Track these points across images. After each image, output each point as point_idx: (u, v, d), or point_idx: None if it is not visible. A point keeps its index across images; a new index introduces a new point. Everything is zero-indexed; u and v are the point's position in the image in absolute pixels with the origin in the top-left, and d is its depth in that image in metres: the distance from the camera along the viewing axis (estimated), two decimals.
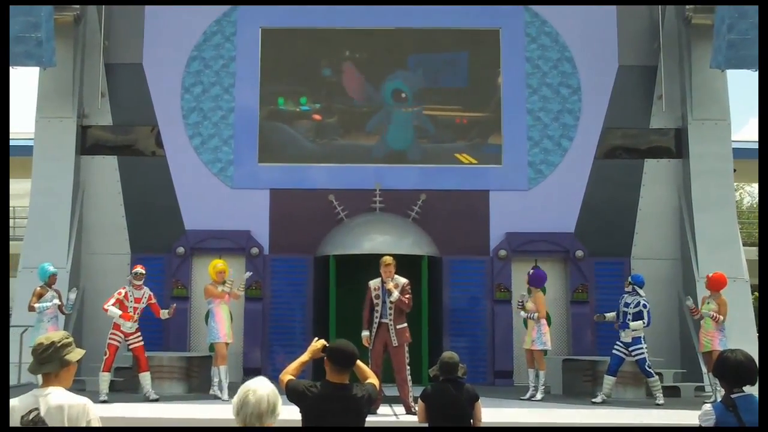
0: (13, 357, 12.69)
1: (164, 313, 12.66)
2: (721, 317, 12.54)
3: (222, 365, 12.64)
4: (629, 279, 12.88)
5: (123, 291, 12.38)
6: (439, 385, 6.81)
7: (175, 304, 13.37)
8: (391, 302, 10.77)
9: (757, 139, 23.03)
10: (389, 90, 16.47)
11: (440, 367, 6.83)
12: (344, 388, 5.12)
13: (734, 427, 4.68)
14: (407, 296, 10.82)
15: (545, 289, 14.94)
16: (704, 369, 13.53)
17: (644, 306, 12.52)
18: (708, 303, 12.81)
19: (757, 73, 14.43)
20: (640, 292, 12.65)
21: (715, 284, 12.81)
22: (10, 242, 17.76)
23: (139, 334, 12.38)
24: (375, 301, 10.91)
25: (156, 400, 11.94)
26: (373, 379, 5.43)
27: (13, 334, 13.17)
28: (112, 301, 12.31)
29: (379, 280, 10.95)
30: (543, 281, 13.50)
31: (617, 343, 12.61)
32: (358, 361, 5.37)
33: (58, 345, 4.37)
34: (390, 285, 10.78)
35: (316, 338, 5.47)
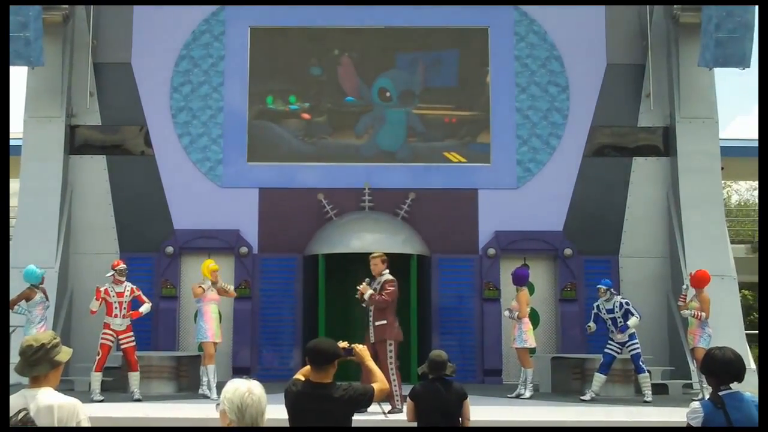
0: None
1: (146, 307, 12.57)
2: (703, 314, 12.59)
3: (210, 364, 12.60)
4: (604, 287, 12.80)
5: (103, 288, 12.33)
6: (427, 383, 6.81)
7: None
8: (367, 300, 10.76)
9: (744, 137, 23.21)
10: (375, 89, 16.49)
11: (429, 365, 6.83)
12: (323, 388, 4.92)
13: (723, 428, 4.67)
14: (385, 292, 10.73)
15: (533, 286, 15.00)
16: (692, 366, 13.60)
17: (627, 303, 12.64)
18: (693, 301, 12.86)
19: (744, 70, 14.55)
20: (615, 293, 12.87)
21: (699, 281, 12.83)
22: None
23: (130, 333, 12.34)
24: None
25: (138, 400, 11.87)
26: (378, 384, 5.17)
27: None
28: (98, 302, 12.30)
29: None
30: (524, 280, 13.48)
31: (610, 341, 12.65)
32: (370, 364, 5.27)
33: (48, 346, 4.35)
34: (362, 286, 10.74)
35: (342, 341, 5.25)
